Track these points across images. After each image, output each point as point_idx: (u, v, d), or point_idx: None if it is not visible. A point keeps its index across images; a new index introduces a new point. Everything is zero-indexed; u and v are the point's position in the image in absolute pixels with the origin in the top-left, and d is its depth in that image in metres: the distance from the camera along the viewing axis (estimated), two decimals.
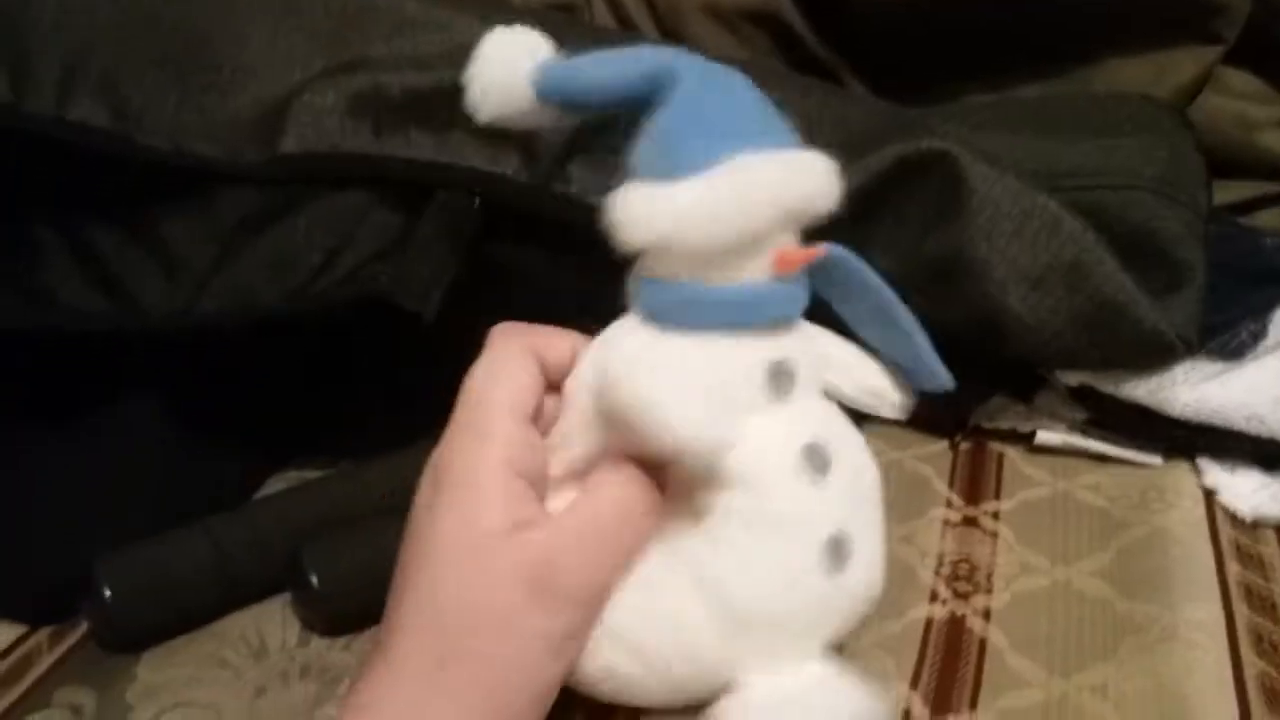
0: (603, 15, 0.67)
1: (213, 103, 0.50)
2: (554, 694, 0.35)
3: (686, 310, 0.36)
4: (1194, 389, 0.50)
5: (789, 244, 0.37)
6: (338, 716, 0.33)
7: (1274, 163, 0.65)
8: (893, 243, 0.51)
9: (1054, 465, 0.54)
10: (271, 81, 0.50)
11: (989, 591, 0.46)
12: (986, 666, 0.42)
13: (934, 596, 0.46)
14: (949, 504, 0.52)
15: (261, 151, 0.49)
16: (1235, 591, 0.45)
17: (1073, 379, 0.53)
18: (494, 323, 0.40)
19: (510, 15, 0.59)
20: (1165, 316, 0.49)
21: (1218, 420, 0.50)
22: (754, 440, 0.35)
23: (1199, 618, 0.43)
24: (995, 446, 0.56)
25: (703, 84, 0.37)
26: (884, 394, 0.41)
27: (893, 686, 0.41)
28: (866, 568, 0.38)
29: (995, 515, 0.51)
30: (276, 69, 0.50)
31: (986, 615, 0.45)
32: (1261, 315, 0.51)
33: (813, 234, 0.51)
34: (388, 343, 0.53)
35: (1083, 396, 0.53)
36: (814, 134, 0.53)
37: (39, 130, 0.49)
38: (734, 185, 0.35)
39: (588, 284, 0.49)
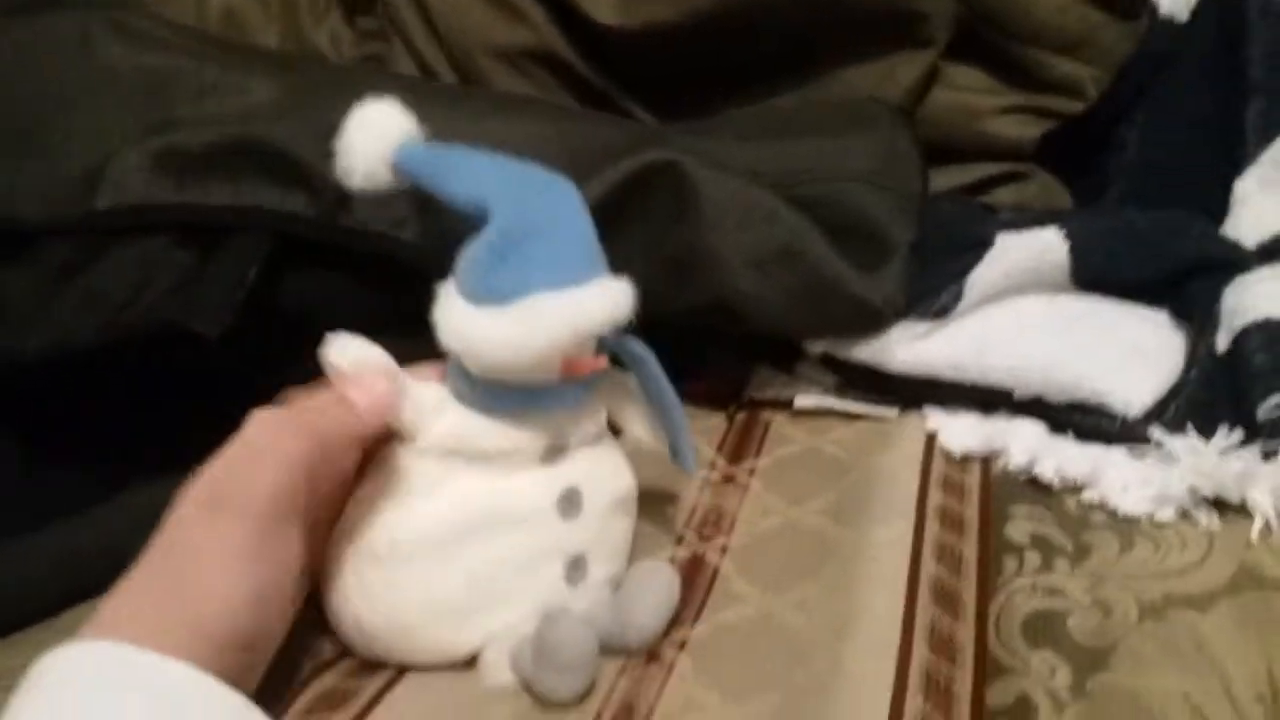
0: (405, 62, 0.74)
1: (36, 168, 0.57)
2: (274, 598, 0.40)
3: (480, 399, 0.44)
4: (908, 348, 0.58)
5: (582, 352, 0.44)
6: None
7: (1001, 146, 0.73)
8: (640, 243, 0.58)
9: (811, 425, 0.62)
10: (89, 145, 0.57)
11: (730, 533, 0.53)
12: (714, 590, 0.49)
13: (680, 541, 0.53)
14: (713, 466, 0.59)
15: (78, 208, 0.56)
16: (931, 514, 0.52)
17: (817, 348, 0.60)
18: (299, 349, 0.47)
19: (320, 74, 0.67)
20: (874, 287, 0.57)
21: (931, 373, 0.58)
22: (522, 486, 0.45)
23: (887, 537, 0.50)
24: (765, 414, 0.64)
25: (517, 221, 0.43)
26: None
27: None
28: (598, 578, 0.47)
29: (751, 471, 0.58)
30: (95, 137, 0.57)
31: (723, 551, 0.52)
32: (959, 279, 0.59)
33: None
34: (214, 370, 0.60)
35: (829, 363, 0.61)
36: (570, 155, 0.61)
37: None
38: (524, 324, 0.42)
39: (378, 302, 0.56)
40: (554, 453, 0.46)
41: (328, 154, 0.56)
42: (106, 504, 0.55)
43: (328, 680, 0.45)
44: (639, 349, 0.48)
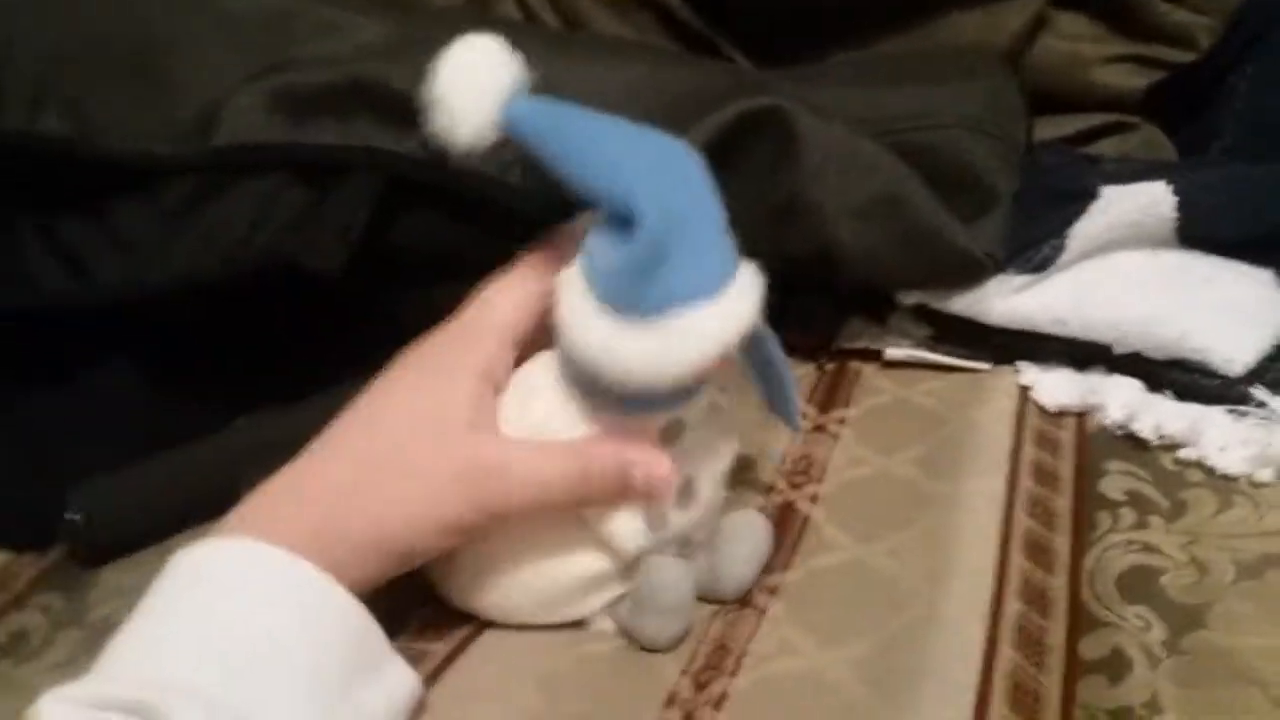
0: (508, 6, 0.75)
1: (161, 107, 0.59)
2: (413, 564, 0.42)
3: (598, 400, 0.42)
4: (1006, 300, 0.58)
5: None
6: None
7: (1106, 96, 0.72)
8: (740, 191, 0.57)
9: (901, 377, 0.62)
10: (209, 86, 0.58)
11: (820, 481, 0.54)
12: (805, 537, 0.50)
13: (771, 489, 0.54)
14: (804, 415, 0.59)
15: (200, 146, 0.57)
16: (1025, 469, 0.52)
17: (910, 299, 0.60)
18: (409, 287, 0.48)
19: (426, 18, 0.68)
20: (974, 238, 0.57)
21: (1029, 326, 0.58)
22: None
23: (981, 489, 0.51)
24: (855, 365, 0.64)
25: (664, 226, 0.38)
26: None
27: None
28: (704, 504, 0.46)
29: (841, 421, 0.59)
30: (213, 75, 0.59)
31: (814, 499, 0.53)
32: (1061, 232, 0.58)
33: None
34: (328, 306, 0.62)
35: (922, 314, 0.61)
36: (672, 99, 0.61)
37: (13, 142, 0.58)
38: (673, 343, 0.39)
39: (487, 245, 0.57)
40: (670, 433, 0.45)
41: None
42: (222, 432, 0.58)
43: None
44: (769, 344, 0.46)
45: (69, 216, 0.59)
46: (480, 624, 0.46)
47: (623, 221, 0.39)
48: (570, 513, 0.43)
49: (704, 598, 0.46)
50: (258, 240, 0.56)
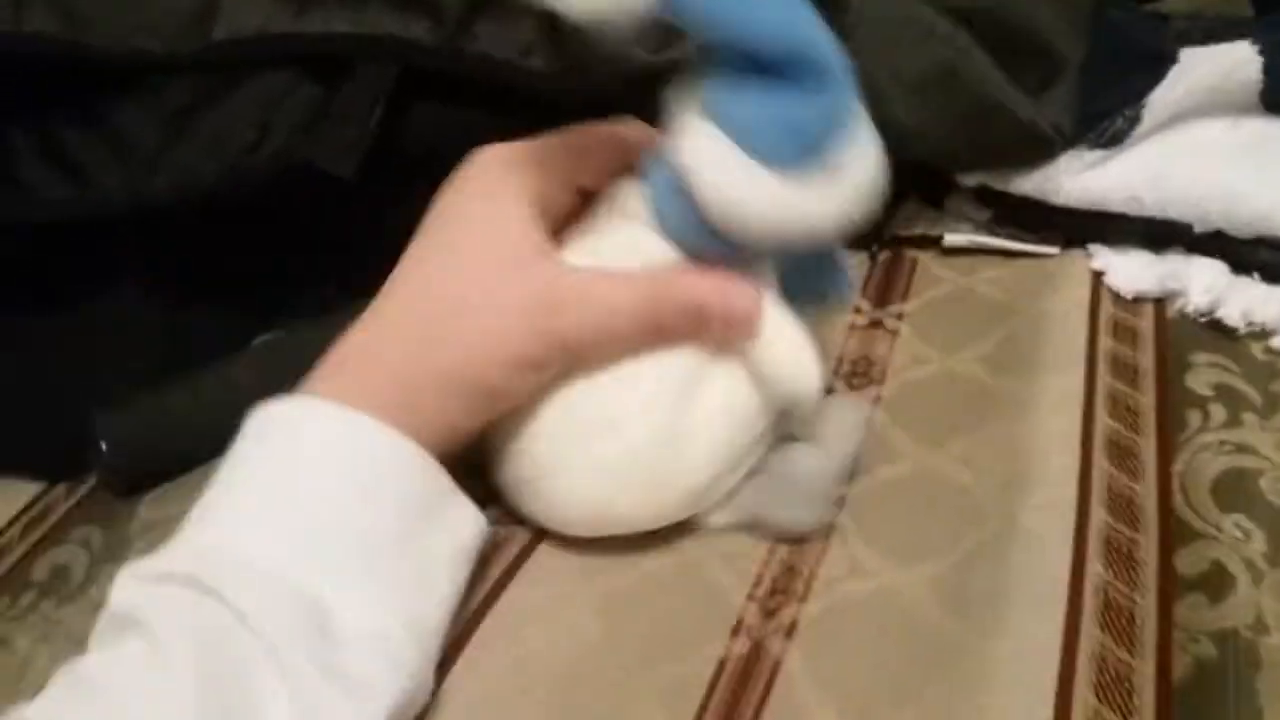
0: None
1: (152, 1, 0.55)
2: (498, 404, 0.40)
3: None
4: (1076, 178, 0.53)
5: None
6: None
7: None
8: None
9: (962, 264, 0.58)
10: None
11: (880, 383, 0.50)
12: (869, 443, 0.47)
13: (829, 392, 0.50)
14: (858, 310, 0.56)
15: (197, 41, 0.53)
16: (1103, 362, 0.49)
17: (971, 180, 0.56)
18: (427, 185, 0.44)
19: None
20: (1040, 111, 0.52)
21: (1101, 205, 0.54)
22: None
23: (1056, 387, 0.47)
24: (911, 253, 0.60)
25: (844, 83, 0.37)
26: None
27: None
28: None
29: (899, 316, 0.55)
30: None
31: (876, 401, 0.49)
32: (1136, 101, 0.53)
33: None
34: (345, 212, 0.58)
35: (983, 196, 0.57)
36: None
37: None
38: (859, 185, 0.39)
39: (508, 136, 0.53)
40: None
41: None
42: (243, 351, 0.55)
43: None
44: None
45: (65, 123, 0.54)
46: (536, 537, 0.44)
47: (767, 74, 0.36)
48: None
49: None
50: (266, 143, 0.52)
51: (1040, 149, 0.53)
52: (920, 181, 0.59)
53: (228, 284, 0.56)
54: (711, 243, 0.39)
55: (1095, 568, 0.39)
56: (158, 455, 0.52)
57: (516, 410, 0.41)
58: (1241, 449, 0.43)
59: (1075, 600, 0.37)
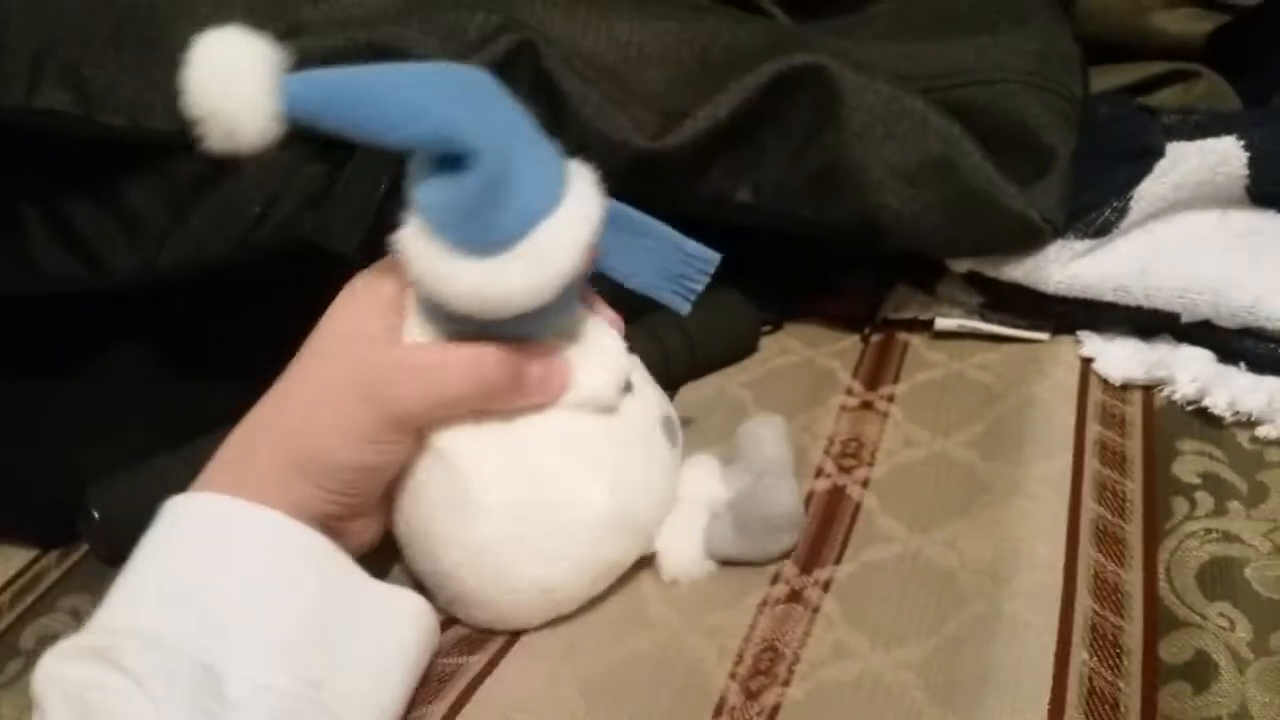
0: None
1: (166, 78, 0.56)
2: (354, 483, 0.41)
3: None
4: (1065, 267, 0.54)
5: None
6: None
7: (1168, 41, 0.68)
8: (779, 155, 0.55)
9: (953, 348, 0.58)
10: None
11: (871, 464, 0.51)
12: (857, 526, 0.47)
13: (819, 473, 0.51)
14: (849, 391, 0.56)
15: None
16: (1090, 448, 0.49)
17: (962, 266, 0.57)
18: None
19: None
20: (1032, 201, 0.53)
21: (1090, 294, 0.54)
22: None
23: (1044, 473, 0.47)
24: (903, 336, 0.60)
25: (497, 154, 0.37)
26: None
27: None
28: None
29: (890, 398, 0.55)
30: None
31: (865, 484, 0.49)
32: (1125, 193, 0.54)
33: (699, 157, 0.56)
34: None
35: (975, 282, 0.57)
36: (703, 56, 0.58)
37: (11, 119, 0.55)
38: (541, 261, 0.39)
39: None
40: None
41: (458, 57, 0.54)
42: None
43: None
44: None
45: (74, 198, 0.56)
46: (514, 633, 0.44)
47: (450, 161, 0.38)
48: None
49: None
50: (272, 219, 0.53)
51: (1031, 239, 0.53)
52: (912, 267, 0.60)
53: (225, 354, 0.56)
54: (458, 325, 0.42)
55: (1080, 655, 0.38)
56: (149, 525, 0.52)
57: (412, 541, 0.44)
58: (1227, 537, 0.43)
59: (1059, 687, 0.37)
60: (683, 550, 0.46)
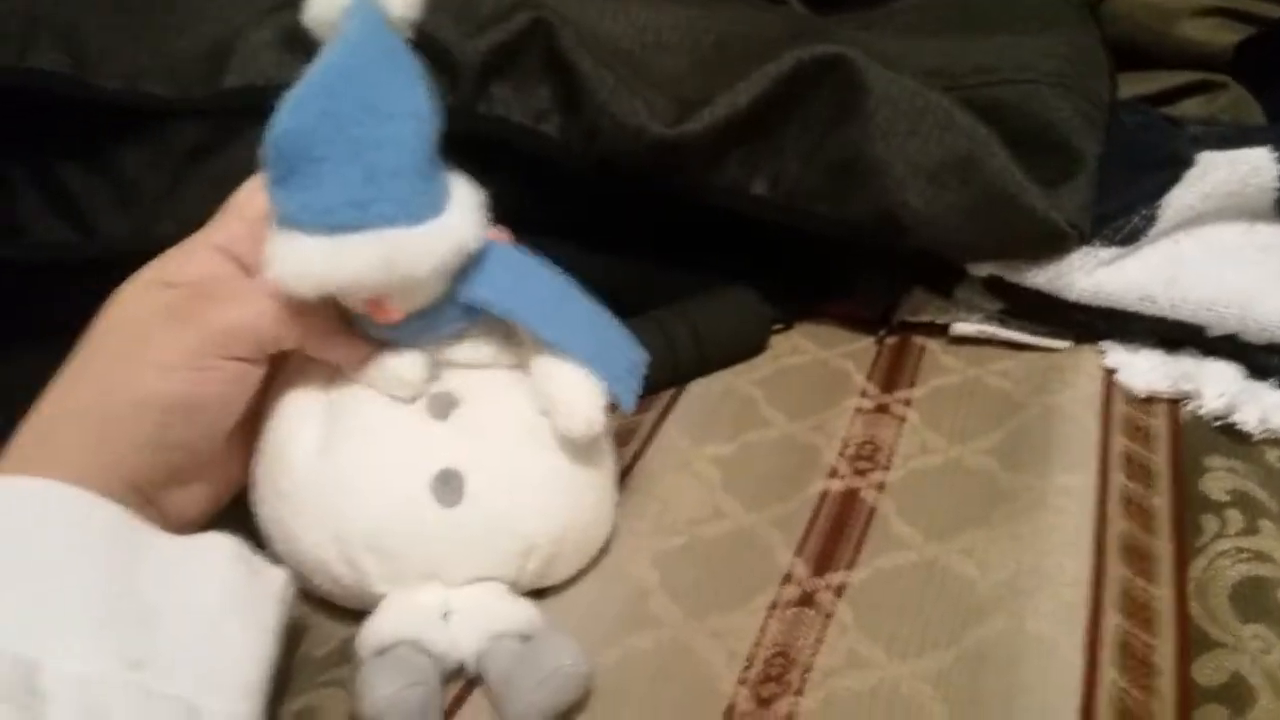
0: None
1: (165, 44, 0.54)
2: (171, 428, 0.38)
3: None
4: (1090, 275, 0.53)
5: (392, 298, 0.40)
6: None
7: (1193, 51, 0.66)
8: (798, 147, 0.53)
9: (970, 354, 0.57)
10: (219, 21, 0.53)
11: (887, 468, 0.49)
12: (871, 531, 0.45)
13: (833, 473, 0.49)
14: (864, 394, 0.55)
15: (208, 87, 0.52)
16: (1115, 461, 0.47)
17: (983, 270, 0.55)
18: None
19: None
20: (1057, 205, 0.51)
21: (1114, 303, 0.53)
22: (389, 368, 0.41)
23: (1069, 485, 0.45)
24: (919, 340, 0.59)
25: (292, 139, 0.38)
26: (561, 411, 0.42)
27: None
28: (486, 503, 0.41)
29: (907, 402, 0.54)
30: (223, 9, 0.54)
31: (880, 488, 0.48)
32: (1153, 201, 0.53)
33: (716, 145, 0.54)
34: None
35: (994, 287, 0.56)
36: (721, 44, 0.56)
37: (4, 81, 0.53)
38: (387, 240, 0.37)
39: (516, 200, 0.52)
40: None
41: (468, 35, 0.53)
42: None
43: None
44: (504, 301, 0.41)
45: (69, 165, 0.53)
46: None
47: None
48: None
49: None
50: None
51: (1055, 244, 0.52)
52: (930, 270, 0.58)
53: None
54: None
55: (1109, 673, 0.37)
56: None
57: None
58: (1259, 557, 0.41)
59: (1089, 707, 0.35)
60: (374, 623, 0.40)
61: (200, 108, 0.52)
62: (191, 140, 0.52)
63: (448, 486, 0.40)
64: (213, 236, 0.42)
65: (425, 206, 0.39)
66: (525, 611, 0.40)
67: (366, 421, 0.41)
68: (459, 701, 0.39)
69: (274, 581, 0.39)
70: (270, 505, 0.41)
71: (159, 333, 0.38)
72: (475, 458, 0.41)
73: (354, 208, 0.37)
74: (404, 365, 0.42)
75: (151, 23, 0.54)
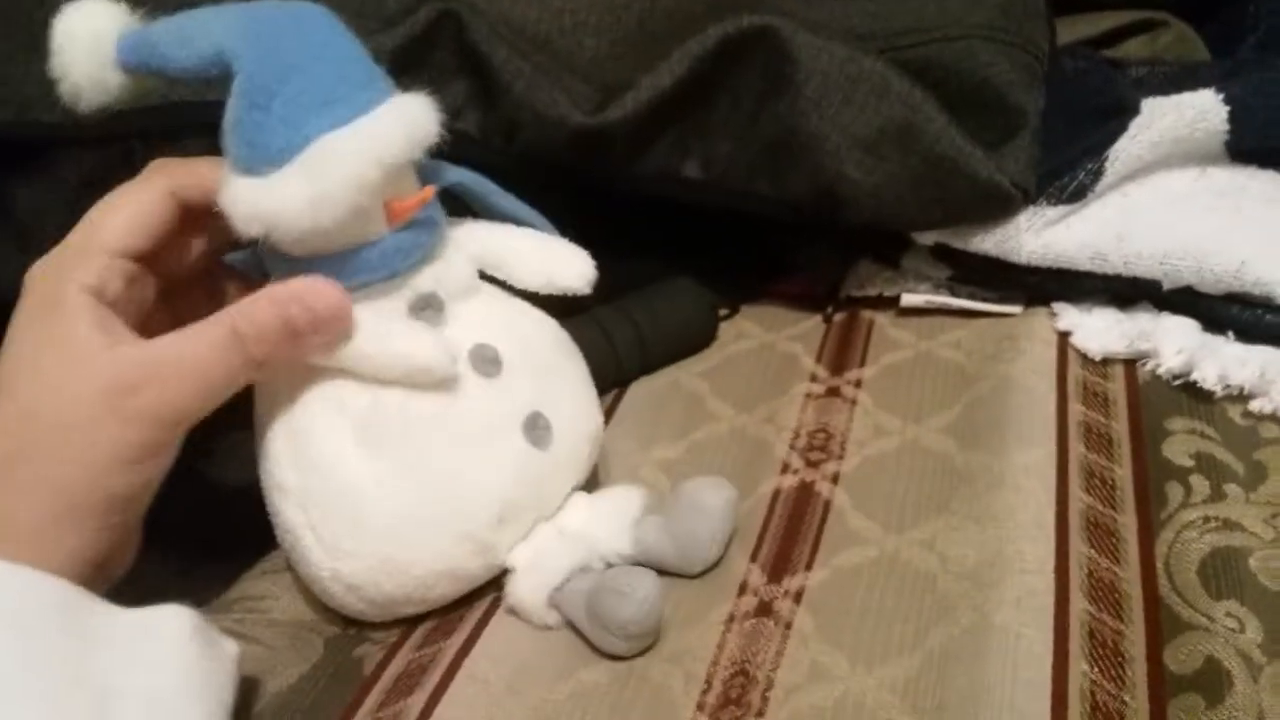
0: None
1: (43, 69, 0.51)
2: (133, 505, 0.37)
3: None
4: (1038, 235, 0.51)
5: (405, 190, 0.40)
6: None
7: None
8: (729, 125, 0.51)
9: (920, 327, 0.55)
10: None
11: (840, 458, 0.47)
12: (827, 527, 0.44)
13: (785, 468, 0.47)
14: (814, 378, 0.53)
15: (102, 111, 0.50)
16: (1074, 431, 0.46)
17: (929, 238, 0.53)
18: None
19: None
20: (1001, 167, 0.49)
21: (1064, 263, 0.51)
22: (420, 356, 0.39)
23: (1028, 462, 0.44)
24: (867, 314, 0.57)
25: (266, 63, 0.37)
26: (559, 271, 0.44)
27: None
28: (569, 428, 0.43)
29: (857, 383, 0.52)
30: None
31: (835, 479, 0.46)
32: (1099, 154, 0.51)
33: (643, 130, 0.52)
34: None
35: (942, 254, 0.54)
36: (643, 21, 0.53)
37: None
38: (318, 175, 0.36)
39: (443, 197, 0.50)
40: (427, 310, 0.41)
41: (374, 31, 0.50)
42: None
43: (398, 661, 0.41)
44: (465, 175, 0.43)
45: None
46: (461, 653, 0.40)
47: (229, 80, 0.37)
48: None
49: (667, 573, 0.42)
50: None
51: (1001, 207, 0.50)
52: (875, 240, 0.56)
53: None
54: (281, 268, 0.40)
55: (1080, 667, 0.35)
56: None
57: None
58: (1227, 525, 0.40)
59: (1059, 704, 0.34)
60: (526, 588, 0.41)
61: (92, 134, 0.49)
62: (82, 170, 0.50)
63: (536, 429, 0.42)
64: (79, 280, 0.37)
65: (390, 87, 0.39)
66: (629, 491, 0.44)
67: (430, 413, 0.40)
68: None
69: (228, 654, 0.37)
70: (359, 559, 0.39)
71: (112, 424, 0.36)
72: (538, 392, 0.42)
73: (367, 88, 0.38)
74: (427, 353, 0.40)
75: (31, 48, 0.50)
